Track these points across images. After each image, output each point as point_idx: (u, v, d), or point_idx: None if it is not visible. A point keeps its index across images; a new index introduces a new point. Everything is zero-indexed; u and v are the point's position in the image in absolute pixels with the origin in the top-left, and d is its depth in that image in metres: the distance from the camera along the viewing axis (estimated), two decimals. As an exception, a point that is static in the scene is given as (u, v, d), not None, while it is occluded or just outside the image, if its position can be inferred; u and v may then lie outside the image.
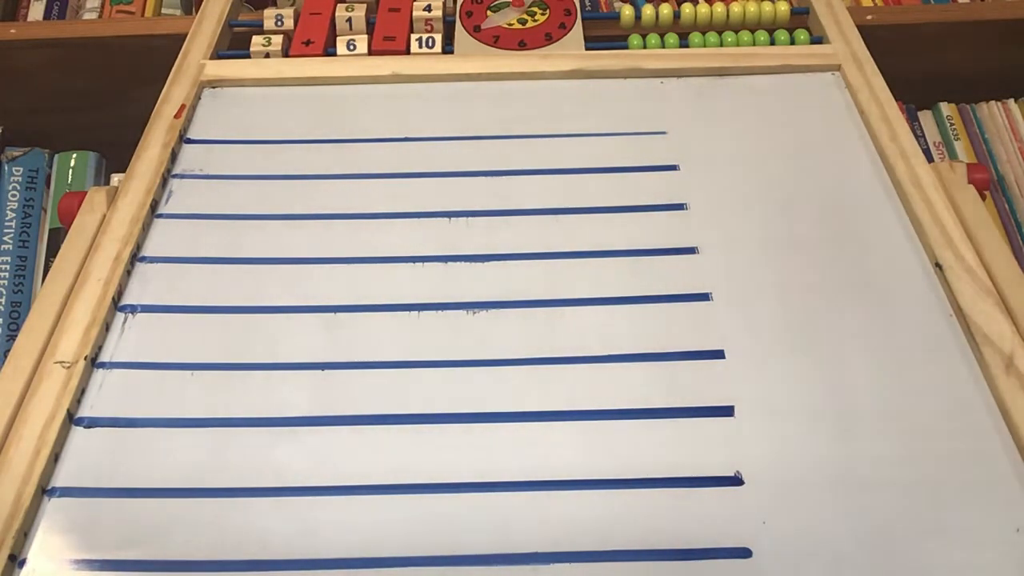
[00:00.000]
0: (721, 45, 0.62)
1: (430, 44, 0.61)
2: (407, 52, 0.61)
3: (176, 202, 0.50)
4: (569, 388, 0.41)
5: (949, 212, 0.47)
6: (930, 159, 0.71)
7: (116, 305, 0.45)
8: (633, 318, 0.44)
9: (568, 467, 0.38)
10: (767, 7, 0.63)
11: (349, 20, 0.63)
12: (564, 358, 0.42)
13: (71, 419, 0.40)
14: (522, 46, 0.60)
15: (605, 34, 0.64)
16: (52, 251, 0.71)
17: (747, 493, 0.37)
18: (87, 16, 0.78)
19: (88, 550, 0.36)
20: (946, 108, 0.76)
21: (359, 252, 0.47)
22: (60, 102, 0.79)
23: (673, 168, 0.52)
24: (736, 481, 0.37)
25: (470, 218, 0.49)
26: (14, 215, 0.71)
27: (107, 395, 0.41)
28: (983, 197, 0.49)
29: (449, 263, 0.47)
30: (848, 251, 0.47)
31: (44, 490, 0.38)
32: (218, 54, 0.62)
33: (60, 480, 0.38)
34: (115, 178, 0.70)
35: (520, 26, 0.62)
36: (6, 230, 0.71)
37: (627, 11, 0.65)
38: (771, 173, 0.51)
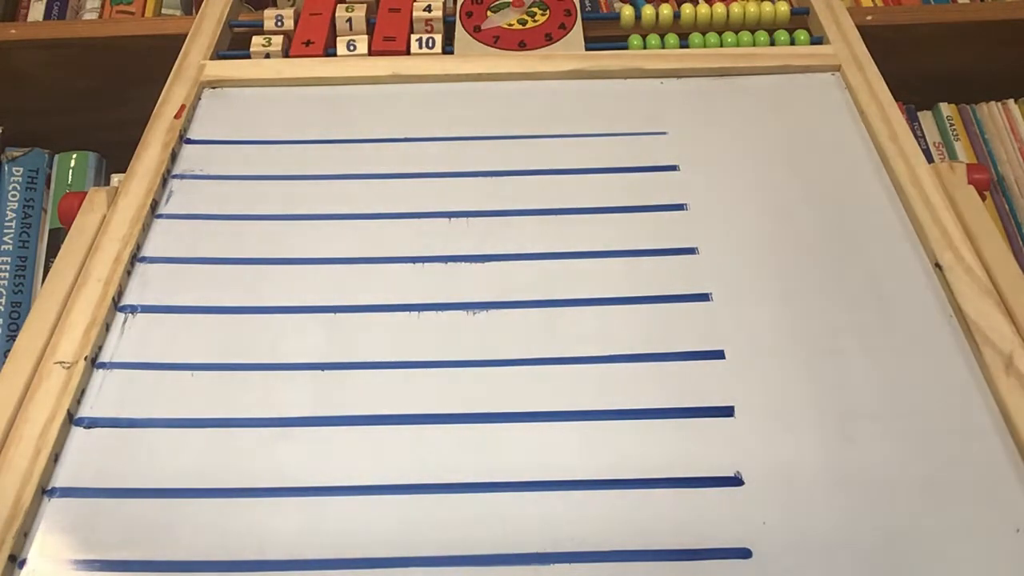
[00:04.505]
0: (721, 45, 0.62)
1: (430, 44, 0.61)
2: (407, 52, 0.61)
3: (176, 202, 0.50)
4: (569, 388, 0.41)
5: (949, 212, 0.47)
6: (930, 159, 0.71)
7: (116, 305, 0.45)
8: (633, 318, 0.44)
9: (568, 467, 0.38)
10: (767, 7, 0.63)
11: (349, 20, 0.63)
12: (564, 358, 0.42)
13: (71, 419, 0.40)
14: (522, 46, 0.60)
15: (605, 34, 0.64)
16: (52, 251, 0.71)
17: (747, 493, 0.37)
18: (87, 16, 0.78)
19: (88, 550, 0.36)
20: (946, 108, 0.76)
21: (359, 252, 0.47)
22: (60, 102, 0.79)
23: (673, 168, 0.52)
24: (736, 481, 0.37)
25: (470, 218, 0.49)
26: (14, 215, 0.71)
27: (107, 395, 0.41)
28: (983, 198, 0.49)
29: (449, 263, 0.47)
30: (848, 251, 0.47)
31: (44, 490, 0.38)
32: (218, 54, 0.62)
33: (60, 480, 0.38)
34: (115, 178, 0.70)
35: (520, 27, 0.62)
36: (6, 230, 0.70)
37: (627, 11, 0.65)
38: (771, 173, 0.51)
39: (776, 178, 0.51)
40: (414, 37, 0.61)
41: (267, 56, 0.61)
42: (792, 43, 0.61)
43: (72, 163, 0.74)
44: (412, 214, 0.49)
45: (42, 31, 0.73)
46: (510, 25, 0.62)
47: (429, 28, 0.63)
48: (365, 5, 0.63)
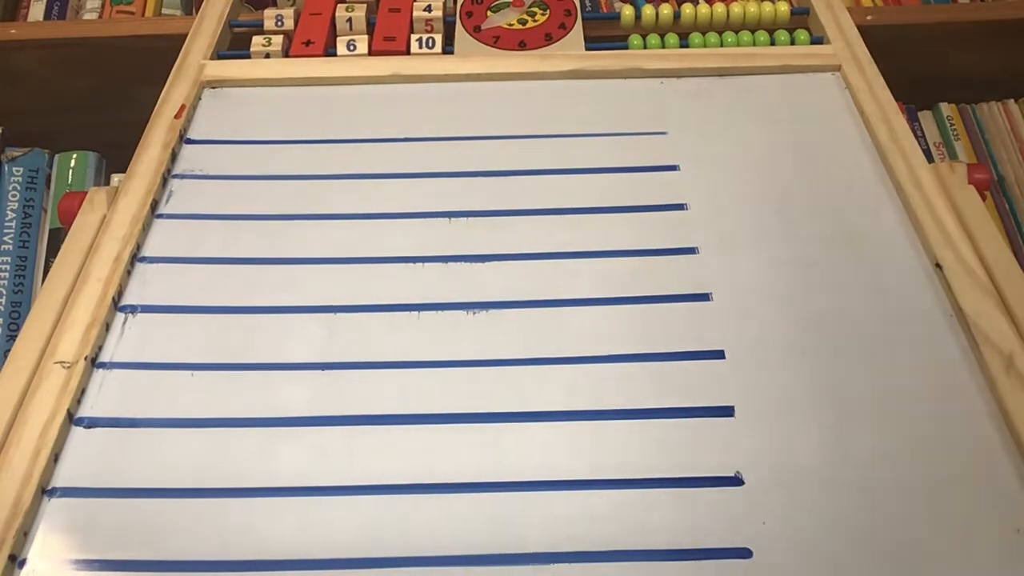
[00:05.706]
0: (721, 45, 0.62)
1: (430, 44, 0.61)
2: (407, 52, 0.61)
3: (176, 202, 0.50)
4: (569, 388, 0.41)
5: (949, 212, 0.47)
6: (930, 159, 0.71)
7: (116, 305, 0.45)
8: (633, 318, 0.44)
9: (568, 467, 0.38)
10: (767, 7, 0.63)
11: (349, 20, 0.63)
12: (564, 358, 0.42)
13: (71, 419, 0.40)
14: (522, 46, 0.60)
15: (605, 34, 0.64)
16: (52, 251, 0.70)
17: (747, 493, 0.37)
18: (87, 16, 0.78)
19: (88, 550, 0.36)
20: (946, 108, 0.76)
21: (359, 252, 0.47)
22: (60, 102, 0.79)
23: (673, 168, 0.52)
24: (736, 481, 0.37)
25: (470, 218, 0.49)
26: (14, 215, 0.71)
27: (107, 395, 0.41)
28: (983, 197, 0.49)
29: (449, 263, 0.47)
30: (848, 251, 0.46)
31: (44, 490, 0.38)
32: (218, 54, 0.62)
33: (60, 480, 0.38)
34: (115, 178, 0.70)
35: (520, 26, 0.62)
36: (6, 230, 0.70)
37: (627, 11, 0.65)
38: (771, 173, 0.51)
39: (776, 178, 0.51)
40: (414, 37, 0.61)
41: (267, 56, 0.61)
42: (792, 43, 0.61)
43: (72, 163, 0.74)
44: (412, 214, 0.49)
45: (42, 31, 0.73)
46: (510, 25, 0.62)
47: (429, 28, 0.63)
48: (365, 5, 0.63)
